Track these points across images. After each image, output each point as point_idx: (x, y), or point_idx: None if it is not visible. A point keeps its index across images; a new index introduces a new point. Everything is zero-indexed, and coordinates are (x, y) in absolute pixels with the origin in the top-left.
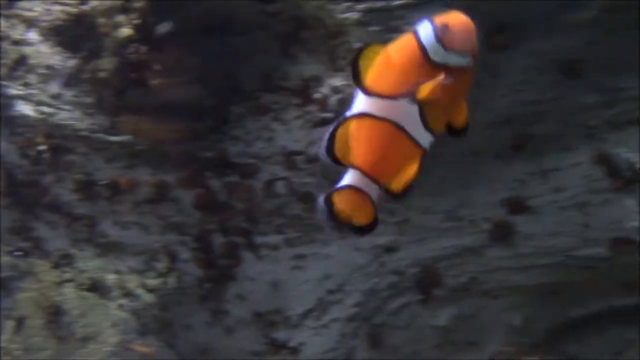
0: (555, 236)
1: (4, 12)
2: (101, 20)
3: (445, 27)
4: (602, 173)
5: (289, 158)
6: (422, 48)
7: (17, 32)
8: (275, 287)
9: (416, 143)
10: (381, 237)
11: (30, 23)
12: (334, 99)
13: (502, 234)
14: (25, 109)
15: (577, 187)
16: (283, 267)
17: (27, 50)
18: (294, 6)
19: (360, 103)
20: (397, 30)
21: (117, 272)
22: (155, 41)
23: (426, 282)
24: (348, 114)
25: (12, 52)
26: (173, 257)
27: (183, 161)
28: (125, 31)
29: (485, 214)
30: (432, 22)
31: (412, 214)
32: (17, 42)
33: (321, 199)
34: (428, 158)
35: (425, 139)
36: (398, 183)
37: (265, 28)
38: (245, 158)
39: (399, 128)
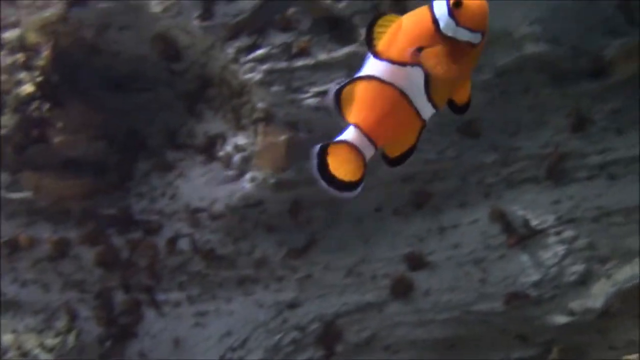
0: (453, 291)
1: None
2: (3, 77)
3: (460, 4)
4: (499, 229)
5: (193, 215)
6: (434, 20)
7: None
8: (177, 345)
9: (417, 113)
10: (283, 293)
11: None
12: (237, 157)
13: (402, 289)
14: None
15: (475, 243)
16: (185, 324)
17: None
18: (200, 65)
19: (370, 66)
20: (299, 90)
21: (15, 331)
22: (58, 98)
23: (328, 338)
24: (357, 75)
25: None
26: (73, 315)
27: (85, 218)
28: (27, 88)
29: (386, 270)
30: None
31: (314, 270)
32: None
33: (315, 149)
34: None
35: (426, 110)
36: (395, 149)
37: (171, 86)
38: (149, 215)
39: (403, 95)
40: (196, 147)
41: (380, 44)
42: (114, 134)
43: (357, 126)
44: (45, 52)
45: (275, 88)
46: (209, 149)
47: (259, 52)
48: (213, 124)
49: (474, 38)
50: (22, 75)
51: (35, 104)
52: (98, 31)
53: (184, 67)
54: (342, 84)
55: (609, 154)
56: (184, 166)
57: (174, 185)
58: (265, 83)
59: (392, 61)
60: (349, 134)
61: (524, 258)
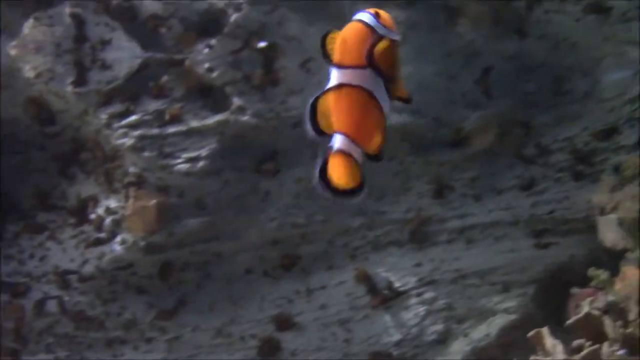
0: (319, 351)
1: None
2: None
3: (377, 13)
4: (364, 291)
5: (63, 277)
6: (369, 26)
7: None
8: None
9: (382, 109)
10: (152, 354)
11: None
12: (109, 220)
13: (269, 349)
14: None
15: (341, 304)
16: None
17: None
18: (74, 129)
19: (335, 77)
20: (170, 156)
21: None
22: None
23: None
24: (325, 88)
25: None
26: None
27: None
28: None
29: (255, 331)
30: (367, 12)
31: (183, 332)
32: None
33: (316, 173)
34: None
35: (386, 105)
36: (374, 145)
37: (43, 148)
38: (18, 277)
39: (371, 94)
40: (68, 209)
41: (336, 56)
42: None
43: (342, 133)
44: None
45: (147, 153)
46: (80, 211)
47: (132, 118)
48: (85, 187)
49: (396, 36)
50: None
51: None
52: None
53: (57, 130)
54: (314, 97)
55: (467, 219)
56: (55, 228)
57: (44, 246)
58: (137, 148)
59: (352, 66)
60: (339, 142)
61: (387, 318)
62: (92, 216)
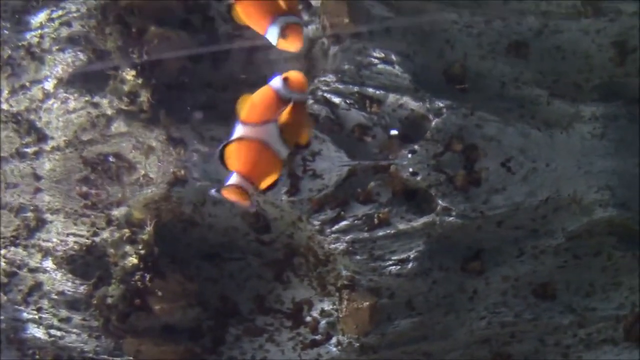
0: None
1: (23, 242)
2: (110, 251)
3: (287, 78)
4: None
5: None
6: (275, 90)
7: (34, 260)
8: None
9: (278, 154)
10: None
11: (46, 252)
12: (323, 322)
13: None
14: (37, 331)
15: None
16: None
17: (42, 277)
18: (287, 236)
19: (239, 130)
20: (381, 259)
21: None
22: (159, 269)
23: None
24: (231, 138)
25: (29, 279)
26: None
27: None
28: (132, 260)
29: None
30: (279, 76)
31: None
32: (33, 270)
33: (215, 190)
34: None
35: (283, 151)
36: (265, 183)
37: (259, 254)
38: None
39: (265, 144)
40: (284, 313)
41: (243, 114)
42: (207, 301)
43: (238, 172)
44: (149, 228)
45: (358, 257)
46: (296, 314)
47: (343, 223)
48: (299, 291)
49: (302, 96)
50: (127, 248)
51: (138, 275)
52: (195, 206)
53: (272, 238)
54: (222, 145)
55: None
56: (272, 330)
57: (264, 348)
58: (349, 252)
59: (253, 124)
60: (233, 179)
61: None
62: (308, 319)
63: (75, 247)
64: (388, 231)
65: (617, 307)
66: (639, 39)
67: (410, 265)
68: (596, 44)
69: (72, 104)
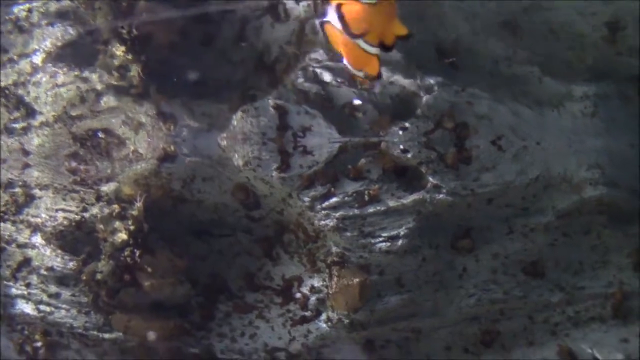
0: None
1: (11, 217)
2: (100, 227)
3: None
4: None
5: (272, 354)
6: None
7: (23, 236)
8: None
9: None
10: None
11: (35, 228)
12: (313, 299)
13: None
14: (26, 307)
15: None
16: None
17: (31, 252)
18: (277, 212)
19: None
20: (371, 235)
21: None
22: (148, 245)
23: None
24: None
25: (17, 255)
26: None
27: (171, 357)
28: (121, 236)
29: None
30: None
31: None
32: (21, 245)
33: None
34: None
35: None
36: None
37: (249, 231)
38: (230, 354)
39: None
40: (274, 289)
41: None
42: (196, 277)
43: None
44: (138, 203)
45: (348, 233)
46: (286, 290)
47: (333, 199)
48: (289, 267)
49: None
50: (117, 224)
51: (127, 251)
52: (185, 183)
53: (262, 214)
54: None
55: None
56: (262, 307)
57: (253, 325)
58: (339, 228)
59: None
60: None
61: None
62: (297, 295)
63: (65, 222)
64: (378, 208)
65: (606, 285)
66: (632, 17)
67: (400, 242)
68: (589, 24)
69: (61, 78)
